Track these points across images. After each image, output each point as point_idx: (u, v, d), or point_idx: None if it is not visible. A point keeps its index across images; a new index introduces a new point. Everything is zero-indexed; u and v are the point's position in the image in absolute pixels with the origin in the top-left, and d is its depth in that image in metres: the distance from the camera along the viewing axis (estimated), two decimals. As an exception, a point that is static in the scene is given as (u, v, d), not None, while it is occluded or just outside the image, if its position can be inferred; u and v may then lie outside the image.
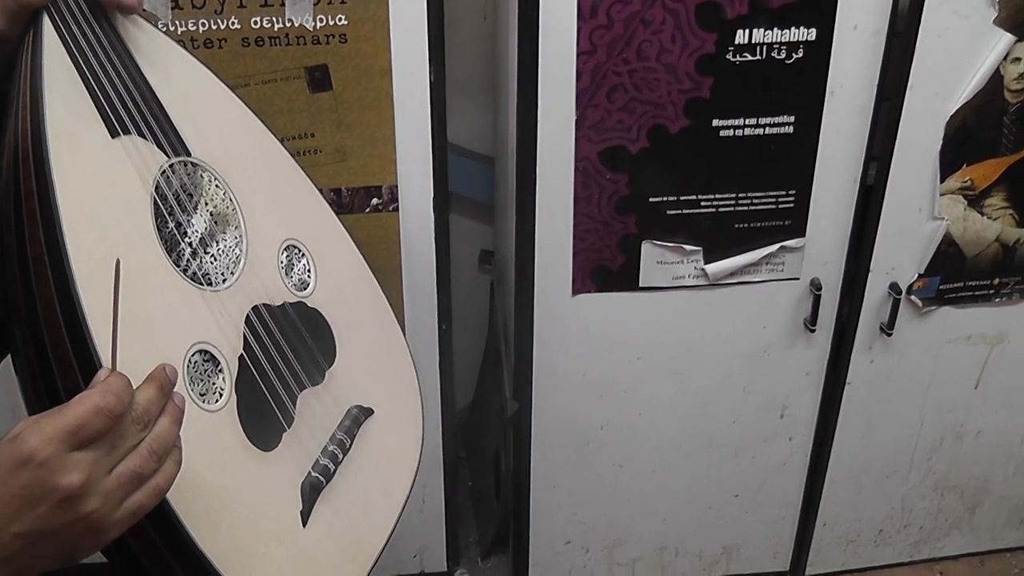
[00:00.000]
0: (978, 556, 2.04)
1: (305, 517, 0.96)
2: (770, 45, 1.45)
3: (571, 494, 1.85)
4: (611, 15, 1.42)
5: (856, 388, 1.75)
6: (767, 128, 1.51)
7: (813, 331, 1.68)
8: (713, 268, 1.61)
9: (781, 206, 1.57)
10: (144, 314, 0.85)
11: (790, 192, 1.56)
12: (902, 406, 1.80)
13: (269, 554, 0.91)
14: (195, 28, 1.42)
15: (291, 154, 1.50)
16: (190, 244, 0.95)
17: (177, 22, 1.41)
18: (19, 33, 0.88)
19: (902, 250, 1.63)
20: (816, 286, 1.64)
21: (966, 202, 1.60)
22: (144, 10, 1.33)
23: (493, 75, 1.93)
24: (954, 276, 1.67)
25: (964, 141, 1.55)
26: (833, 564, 1.98)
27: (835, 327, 1.70)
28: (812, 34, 1.45)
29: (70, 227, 0.81)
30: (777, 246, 1.60)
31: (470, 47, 1.92)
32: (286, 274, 1.05)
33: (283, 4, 1.42)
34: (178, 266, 0.92)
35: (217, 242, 0.98)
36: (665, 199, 1.56)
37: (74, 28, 0.90)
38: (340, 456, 1.02)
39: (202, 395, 0.89)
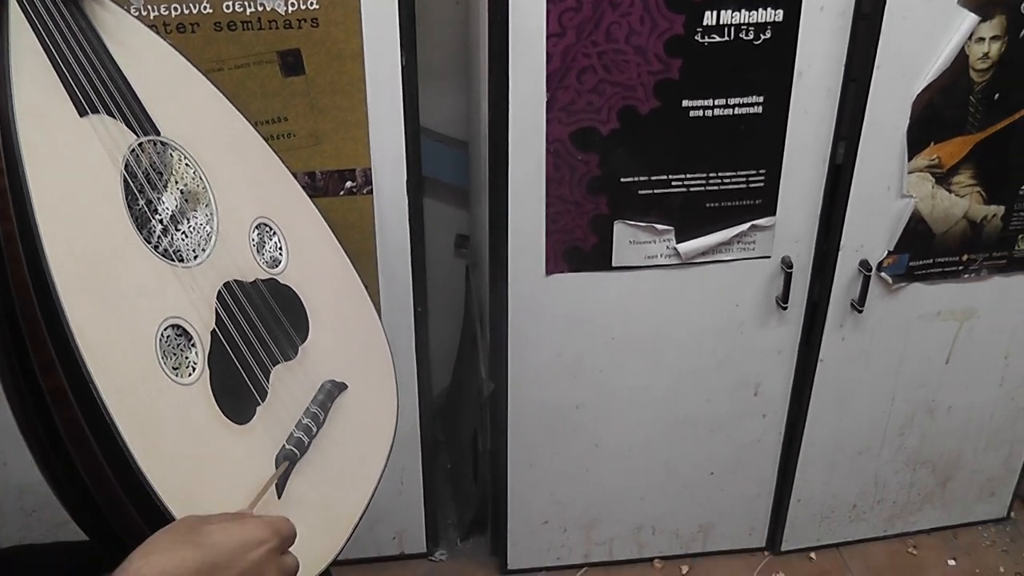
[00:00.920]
0: (951, 529, 2.07)
1: (279, 489, 0.97)
2: (738, 26, 1.46)
3: (548, 474, 1.87)
4: (580, -3, 1.43)
5: (828, 365, 1.77)
6: (736, 108, 1.53)
7: (785, 309, 1.70)
8: (685, 247, 1.63)
9: (751, 185, 1.59)
10: (115, 289, 0.87)
11: (760, 172, 1.58)
12: (874, 383, 1.82)
13: None
14: (167, 13, 1.42)
15: (265, 138, 1.51)
16: (160, 221, 0.96)
17: (150, 7, 1.41)
18: None
19: (871, 228, 1.65)
20: (787, 264, 1.65)
21: (934, 180, 1.62)
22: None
23: (467, 59, 1.93)
24: (923, 253, 1.69)
25: (931, 120, 1.57)
26: (808, 539, 2.00)
27: (807, 305, 1.72)
28: (779, 15, 1.46)
29: (41, 205, 0.82)
30: (748, 225, 1.62)
31: (443, 32, 1.93)
32: (257, 251, 1.07)
33: (255, -12, 1.43)
34: (149, 242, 0.93)
35: (188, 219, 0.99)
36: (636, 179, 1.57)
37: (41, 10, 0.91)
38: (314, 429, 1.03)
39: (175, 369, 0.90)
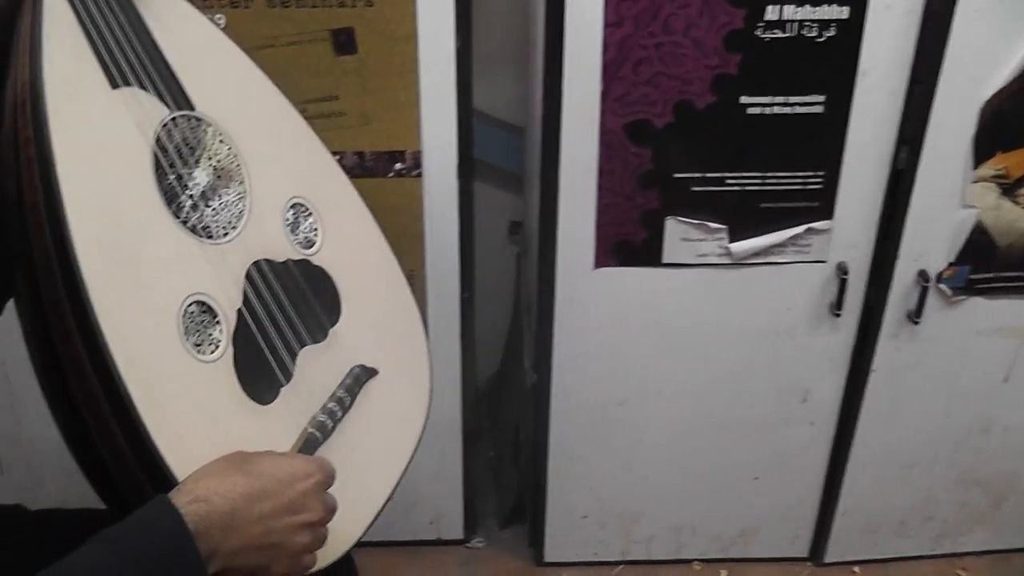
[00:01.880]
0: (1002, 553, 2.00)
1: None
2: (801, 22, 1.42)
3: (589, 468, 1.85)
4: (639, -14, 1.40)
5: (881, 376, 1.72)
6: (796, 107, 1.48)
7: (838, 316, 1.65)
8: (738, 247, 1.59)
9: (809, 187, 1.54)
10: (139, 263, 0.87)
11: (818, 173, 1.53)
12: (928, 396, 1.76)
13: None
14: (222, -13, 1.43)
15: (314, 116, 1.52)
16: (190, 197, 0.95)
17: (204, -20, 1.42)
18: None
19: (932, 237, 1.59)
20: (843, 270, 1.60)
21: (999, 190, 1.56)
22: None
23: (525, 45, 1.91)
24: (985, 266, 1.63)
25: (1000, 128, 1.50)
26: (853, 553, 1.95)
27: (861, 313, 1.67)
28: (845, 12, 1.41)
29: (65, 175, 0.82)
30: (804, 227, 1.57)
31: (504, 16, 1.90)
32: (291, 231, 1.05)
33: (310, -35, 1.42)
34: (177, 218, 0.92)
35: (219, 196, 0.99)
36: (690, 175, 1.54)
37: None
38: (339, 413, 1.02)
39: (197, 346, 0.89)
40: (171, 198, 0.93)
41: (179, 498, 0.79)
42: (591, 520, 1.91)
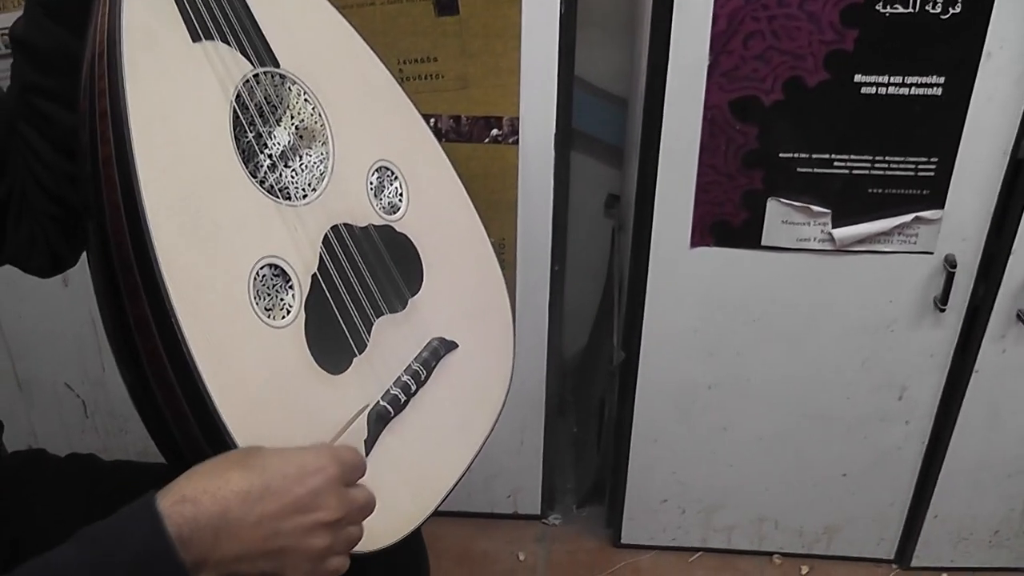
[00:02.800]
0: (1102, 571, 1.92)
1: (368, 446, 0.94)
2: (925, -3, 1.35)
3: (672, 452, 1.81)
4: (755, -44, 1.35)
5: (984, 377, 1.64)
6: (913, 88, 1.41)
7: (943, 311, 1.58)
8: (841, 233, 1.53)
9: (920, 174, 1.47)
10: (210, 221, 0.84)
11: (931, 159, 1.46)
12: (1034, 402, 1.68)
13: None
14: (325, -59, 1.41)
15: (412, 77, 1.50)
16: (269, 156, 0.93)
17: (308, -67, 1.40)
18: None
19: (1050, 233, 1.51)
20: (951, 263, 1.53)
21: None
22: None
23: (632, 13, 1.86)
24: (1108, 267, 1.54)
25: None
26: (942, 559, 1.88)
27: (967, 309, 1.59)
28: (974, -12, 1.34)
29: (139, 130, 0.80)
30: (912, 216, 1.50)
31: (613, -18, 1.87)
32: (375, 196, 1.02)
33: (416, -78, 1.40)
34: (255, 177, 0.90)
35: (300, 157, 0.96)
36: (796, 156, 1.48)
37: None
38: (413, 387, 0.99)
39: (268, 310, 0.87)
40: (249, 157, 0.91)
41: (165, 498, 0.72)
42: (671, 504, 1.88)
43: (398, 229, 1.04)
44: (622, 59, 1.92)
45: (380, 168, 1.04)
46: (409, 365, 1.00)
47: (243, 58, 0.92)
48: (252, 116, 0.92)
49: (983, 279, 1.56)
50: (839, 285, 1.59)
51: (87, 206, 0.84)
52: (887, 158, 1.47)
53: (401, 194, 1.06)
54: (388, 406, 0.95)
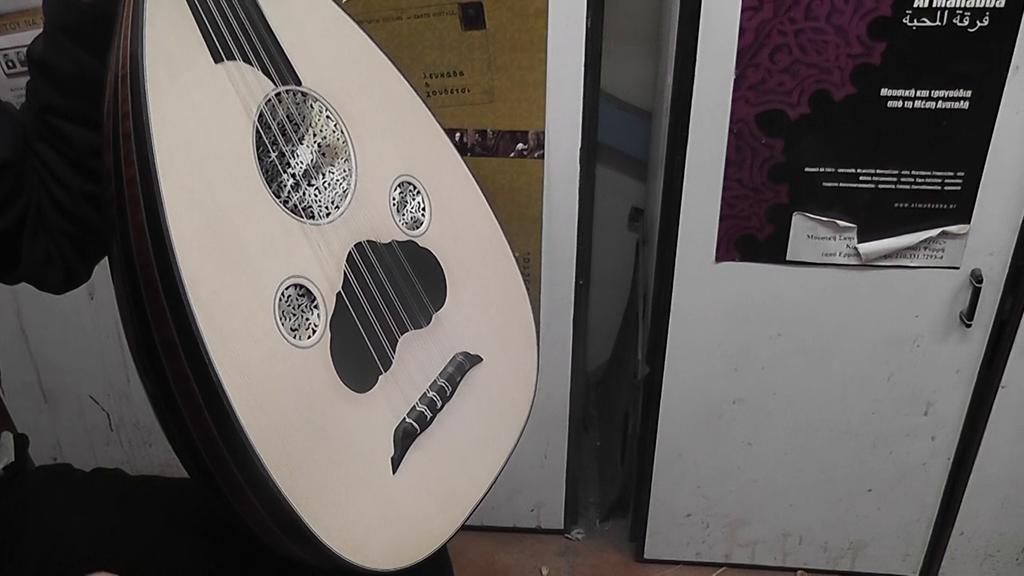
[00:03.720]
0: None
1: (395, 463, 0.94)
2: (952, 10, 1.34)
3: (696, 466, 1.80)
4: (781, -31, 1.35)
5: (1010, 393, 1.63)
6: (940, 102, 1.40)
7: (969, 326, 1.57)
8: (867, 248, 1.52)
9: (947, 188, 1.46)
10: (237, 244, 0.85)
11: (958, 174, 1.45)
12: (1062, 418, 1.67)
13: (352, 497, 0.90)
14: (352, -44, 1.42)
15: (438, 91, 1.50)
16: (292, 175, 0.93)
17: (335, -52, 1.41)
18: None
19: (1078, 248, 1.50)
20: (977, 278, 1.52)
21: None
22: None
23: (658, 27, 1.86)
24: None
25: None
26: None
27: (994, 324, 1.58)
28: (1001, 1, 1.33)
29: (162, 151, 0.80)
30: (938, 231, 1.50)
31: (639, -4, 1.87)
32: (397, 211, 1.02)
33: (441, -63, 1.41)
34: (278, 197, 0.90)
35: (323, 175, 0.96)
36: (822, 170, 1.47)
37: None
38: (439, 403, 0.99)
39: (293, 331, 0.87)
40: (272, 177, 0.91)
41: None
42: (695, 519, 1.87)
43: (421, 244, 1.04)
44: (648, 72, 1.92)
45: (402, 183, 1.04)
46: (435, 381, 1.00)
47: (265, 77, 0.92)
48: (275, 135, 0.92)
49: (1010, 294, 1.54)
50: (865, 300, 1.58)
51: (111, 227, 0.84)
52: (913, 172, 1.46)
53: (424, 209, 1.06)
54: (414, 423, 0.96)
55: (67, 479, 1.10)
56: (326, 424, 0.88)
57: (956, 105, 1.40)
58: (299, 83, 0.95)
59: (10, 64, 1.54)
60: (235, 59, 0.90)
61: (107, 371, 1.87)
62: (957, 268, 1.54)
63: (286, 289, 0.87)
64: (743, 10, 1.38)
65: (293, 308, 0.88)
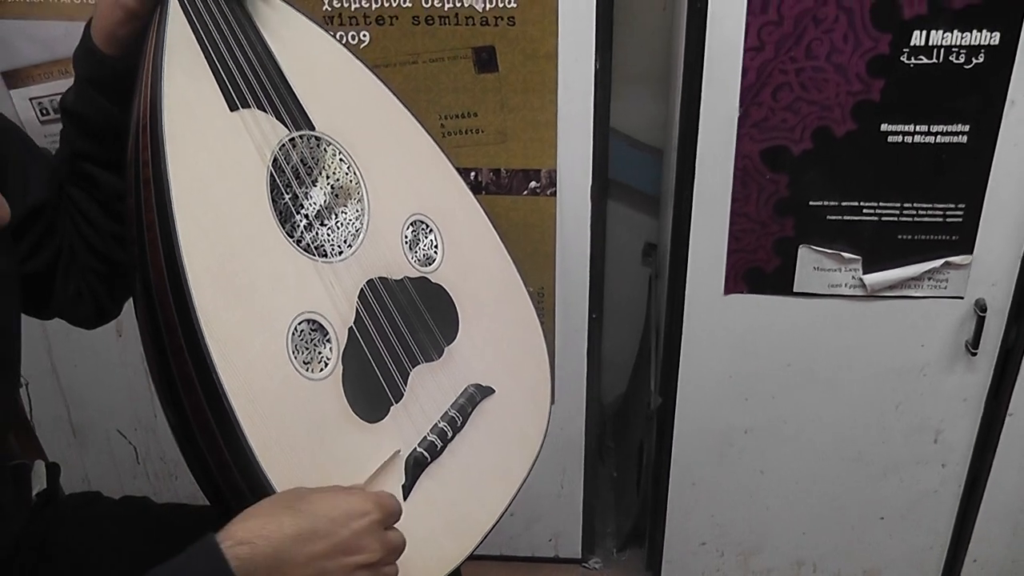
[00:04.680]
0: None
1: (407, 491, 0.97)
2: (948, 48, 1.38)
3: (710, 495, 1.83)
4: (781, 11, 1.39)
5: (1018, 420, 1.65)
6: (939, 136, 1.44)
7: (975, 355, 1.59)
8: (872, 279, 1.55)
9: (948, 220, 1.50)
10: (250, 282, 0.89)
11: (959, 206, 1.49)
12: (1071, 444, 1.69)
13: None
14: (368, 5, 1.47)
15: (452, 132, 1.55)
16: (305, 216, 0.97)
17: (351, -1, 1.47)
18: (149, 9, 0.94)
19: (1080, 277, 1.53)
20: (981, 307, 1.55)
21: None
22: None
23: (668, 67, 1.91)
24: None
25: None
26: (983, 603, 1.88)
27: (999, 353, 1.60)
28: (995, 38, 1.37)
29: (179, 196, 0.85)
30: (941, 261, 1.53)
31: (648, 38, 1.91)
32: (410, 248, 1.06)
33: (454, -16, 1.46)
34: (291, 237, 0.95)
35: (336, 215, 1.01)
36: (826, 203, 1.51)
37: (199, 4, 0.94)
38: (450, 433, 1.02)
39: (306, 363, 0.91)
40: (285, 218, 0.95)
41: (223, 540, 0.78)
42: (709, 547, 1.89)
43: (433, 280, 1.08)
44: (659, 111, 1.96)
45: (415, 222, 1.08)
46: (446, 412, 1.04)
47: (279, 123, 0.97)
48: (288, 179, 0.97)
49: (1014, 323, 1.57)
50: (871, 330, 1.61)
51: (133, 267, 0.90)
52: (915, 205, 1.50)
53: (436, 246, 1.10)
54: (425, 452, 0.99)
55: (96, 506, 1.15)
56: (337, 452, 0.92)
57: (955, 139, 1.44)
58: (312, 128, 1.00)
59: (44, 111, 1.61)
60: (250, 107, 0.95)
61: (134, 406, 1.92)
62: (961, 298, 1.57)
63: (299, 324, 0.92)
64: (746, 50, 1.42)
65: (306, 342, 0.92)
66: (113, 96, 0.99)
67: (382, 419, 0.97)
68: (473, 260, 1.15)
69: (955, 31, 1.37)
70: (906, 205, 1.50)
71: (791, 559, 1.88)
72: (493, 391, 1.10)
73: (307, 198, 0.98)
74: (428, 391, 1.03)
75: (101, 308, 1.10)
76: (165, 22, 0.92)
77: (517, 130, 1.57)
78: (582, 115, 1.56)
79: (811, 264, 1.56)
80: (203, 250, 0.86)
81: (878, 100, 1.43)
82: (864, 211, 1.51)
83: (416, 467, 0.98)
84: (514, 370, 1.15)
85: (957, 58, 1.39)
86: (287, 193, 0.96)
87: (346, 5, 1.47)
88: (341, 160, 1.02)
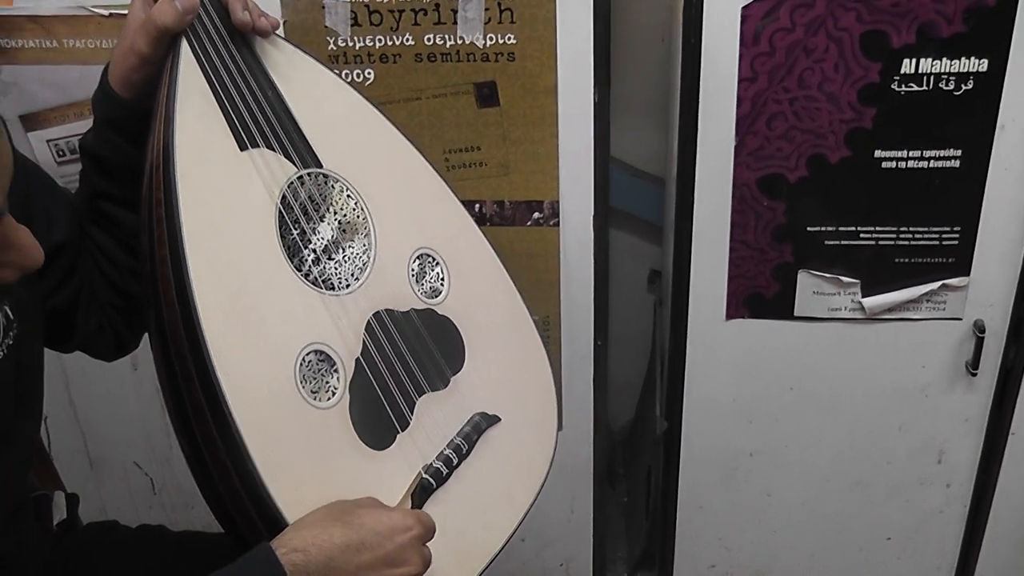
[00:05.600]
0: None
1: None
2: (938, 75, 1.41)
3: (717, 517, 1.85)
4: (773, 43, 1.42)
5: (1021, 439, 1.67)
6: (932, 161, 1.47)
7: (975, 375, 1.62)
8: (871, 302, 1.58)
9: (945, 243, 1.53)
10: (257, 315, 0.93)
11: (955, 229, 1.52)
12: (1073, 462, 1.70)
13: None
14: (372, 44, 1.51)
15: (456, 166, 1.59)
16: (313, 251, 1.01)
17: (355, 38, 1.50)
18: (161, 55, 0.98)
19: (1076, 297, 1.55)
20: (979, 328, 1.58)
21: None
22: (325, 26, 1.45)
23: (666, 98, 1.95)
24: None
25: None
26: (992, 622, 1.89)
27: (999, 373, 1.63)
28: (984, 65, 1.40)
29: (190, 233, 0.89)
30: (939, 284, 1.56)
31: (648, 69, 1.95)
32: (416, 281, 1.10)
33: (455, 23, 1.49)
34: (299, 271, 0.98)
35: (343, 249, 1.04)
36: (823, 229, 1.54)
37: (210, 49, 0.99)
38: (455, 460, 1.05)
39: (313, 392, 0.95)
40: (293, 252, 0.99)
41: (279, 547, 0.84)
42: (719, 570, 1.91)
43: (440, 312, 1.11)
44: (661, 141, 2.00)
45: (422, 255, 1.11)
46: (452, 440, 1.06)
47: (288, 161, 1.01)
48: (297, 215, 1.00)
49: (1013, 343, 1.60)
50: (872, 352, 1.63)
51: (147, 302, 0.94)
52: (911, 229, 1.52)
53: (442, 279, 1.13)
54: (431, 479, 1.02)
55: (114, 534, 1.19)
56: (344, 479, 0.95)
57: (948, 164, 1.47)
58: (320, 165, 1.04)
59: (60, 153, 1.65)
60: (259, 146, 0.99)
61: (150, 438, 1.95)
62: (960, 319, 1.59)
63: (307, 355, 0.95)
64: (740, 81, 1.46)
65: (313, 372, 0.95)
66: (130, 137, 1.03)
67: (389, 447, 1.00)
68: (479, 291, 1.18)
69: (944, 59, 1.40)
70: (902, 229, 1.53)
71: (800, 581, 1.90)
72: (499, 419, 1.12)
73: (315, 233, 1.02)
74: (434, 420, 1.06)
75: (121, 341, 1.14)
76: (177, 66, 0.96)
77: (519, 162, 1.60)
78: (582, 147, 1.59)
79: (811, 288, 1.59)
80: (213, 283, 0.89)
81: (870, 127, 1.46)
82: (861, 236, 1.54)
83: (422, 493, 1.01)
84: (520, 398, 1.18)
85: (947, 85, 1.42)
86: (295, 229, 1.00)
87: (351, 44, 1.51)
88: (348, 196, 1.06)
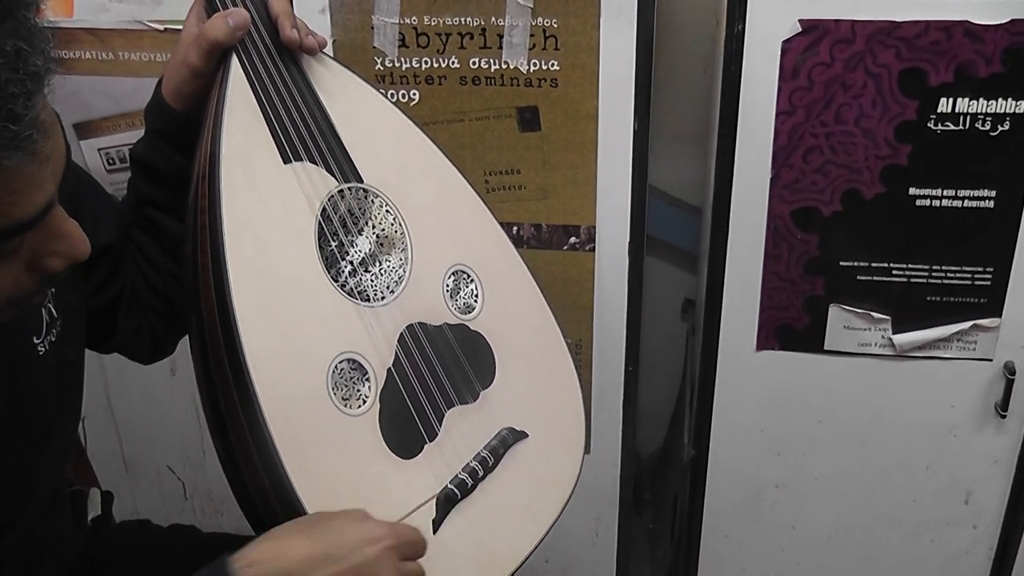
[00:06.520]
0: None
1: (436, 525, 1.02)
2: (974, 115, 1.42)
3: (742, 547, 1.85)
4: (812, 77, 1.44)
5: (1050, 483, 1.67)
6: (966, 201, 1.48)
7: (1004, 417, 1.61)
8: (901, 339, 1.59)
9: (977, 283, 1.53)
10: (294, 321, 0.96)
11: (987, 269, 1.52)
12: (1103, 508, 1.69)
13: None
14: (418, 65, 1.55)
15: (496, 188, 1.62)
16: (350, 263, 1.04)
17: (402, 59, 1.54)
18: (212, 69, 1.02)
19: (1108, 342, 1.55)
20: (1010, 370, 1.58)
21: None
22: (373, 46, 1.48)
23: (706, 128, 1.97)
24: None
25: None
26: (1017, 667, 1.87)
27: (1029, 415, 1.63)
28: (1021, 107, 1.41)
29: (231, 242, 0.92)
30: (970, 324, 1.56)
31: (690, 99, 1.97)
32: (451, 297, 1.12)
33: (501, 47, 1.53)
34: (336, 281, 1.01)
35: (380, 263, 1.07)
36: (855, 264, 1.55)
37: (259, 64, 1.02)
38: (481, 473, 1.06)
39: (344, 399, 0.97)
40: (331, 263, 1.02)
41: (237, 560, 0.82)
42: (741, 602, 1.91)
43: (472, 328, 1.13)
44: (698, 171, 2.02)
45: (456, 272, 1.14)
46: (478, 452, 1.08)
47: (329, 175, 1.04)
48: (336, 227, 1.03)
49: (1044, 385, 1.60)
50: (901, 389, 1.64)
51: (188, 307, 0.97)
52: (944, 267, 1.53)
53: (477, 295, 1.15)
54: (456, 489, 1.03)
55: (145, 532, 1.22)
56: (371, 485, 0.97)
57: (982, 204, 1.48)
58: (361, 180, 1.07)
59: (111, 161, 1.70)
60: (302, 160, 1.02)
61: (184, 443, 1.99)
62: (990, 360, 1.59)
63: (339, 363, 0.98)
64: (777, 114, 1.48)
65: (345, 380, 0.98)
66: (179, 147, 1.07)
67: (416, 456, 1.02)
68: (512, 310, 1.20)
69: (980, 99, 1.41)
70: (935, 267, 1.53)
71: (822, 616, 1.89)
72: (527, 435, 1.14)
73: (353, 246, 1.05)
74: (462, 432, 1.07)
75: (158, 344, 1.18)
76: (227, 80, 1.00)
77: (558, 187, 1.63)
78: (621, 173, 1.62)
79: (841, 323, 1.60)
80: (252, 291, 0.92)
81: (905, 164, 1.47)
82: (893, 272, 1.55)
83: (447, 503, 1.02)
84: (549, 417, 1.19)
85: (983, 125, 1.43)
86: (334, 241, 1.03)
87: (397, 65, 1.55)
88: (387, 211, 1.09)
